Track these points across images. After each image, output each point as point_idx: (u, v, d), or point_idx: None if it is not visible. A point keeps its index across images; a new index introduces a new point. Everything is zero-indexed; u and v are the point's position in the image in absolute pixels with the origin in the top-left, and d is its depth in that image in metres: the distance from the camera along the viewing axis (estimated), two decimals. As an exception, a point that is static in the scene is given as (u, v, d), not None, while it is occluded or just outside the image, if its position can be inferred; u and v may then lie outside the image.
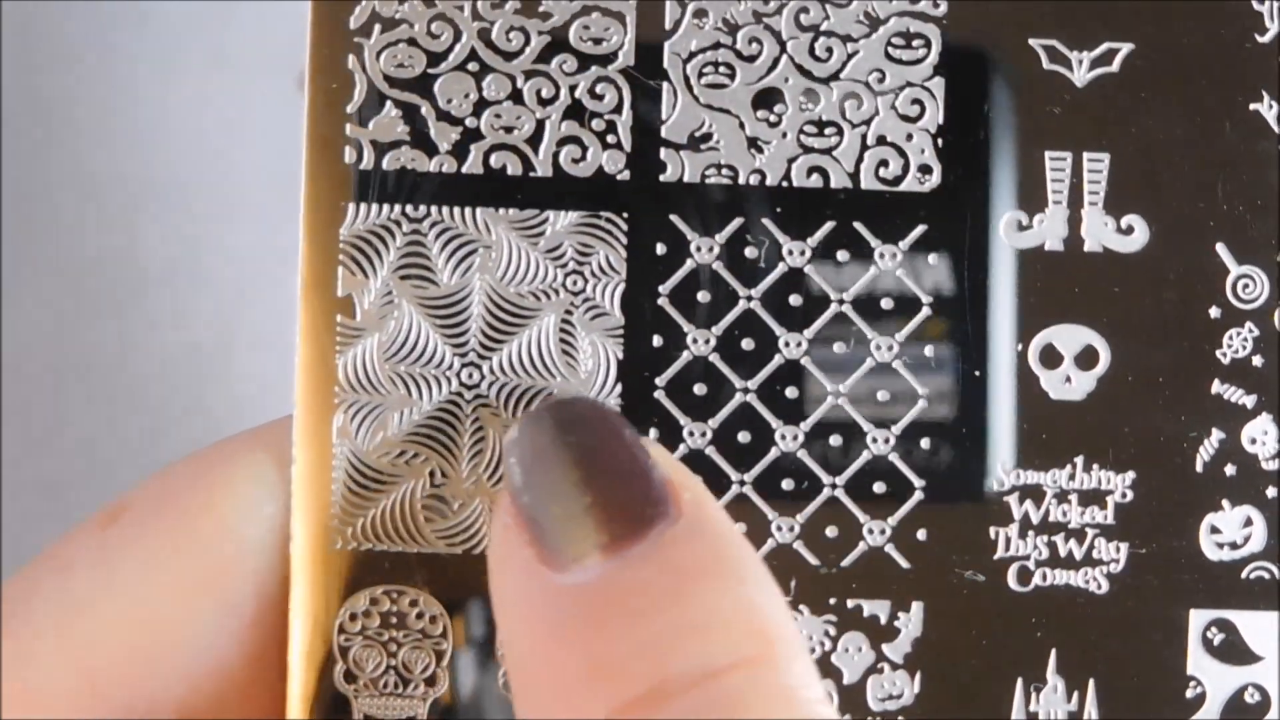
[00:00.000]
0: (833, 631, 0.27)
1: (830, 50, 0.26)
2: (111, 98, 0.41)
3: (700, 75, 0.26)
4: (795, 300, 0.26)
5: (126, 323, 0.42)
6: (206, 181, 0.41)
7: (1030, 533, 0.27)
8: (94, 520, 0.25)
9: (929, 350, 0.27)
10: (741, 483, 0.26)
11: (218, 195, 0.41)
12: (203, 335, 0.42)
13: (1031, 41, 0.26)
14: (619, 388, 0.26)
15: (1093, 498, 0.27)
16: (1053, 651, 0.27)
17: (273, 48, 0.40)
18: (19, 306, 0.41)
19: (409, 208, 0.26)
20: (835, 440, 0.27)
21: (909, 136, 0.26)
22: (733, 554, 0.24)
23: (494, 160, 0.26)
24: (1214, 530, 0.27)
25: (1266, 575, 0.27)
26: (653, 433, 0.26)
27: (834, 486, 0.27)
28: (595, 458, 0.23)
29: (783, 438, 0.26)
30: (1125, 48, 0.27)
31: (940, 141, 0.26)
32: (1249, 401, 0.27)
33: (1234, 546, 0.27)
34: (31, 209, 0.41)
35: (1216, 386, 0.27)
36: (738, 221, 0.26)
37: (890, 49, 0.26)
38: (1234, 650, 0.27)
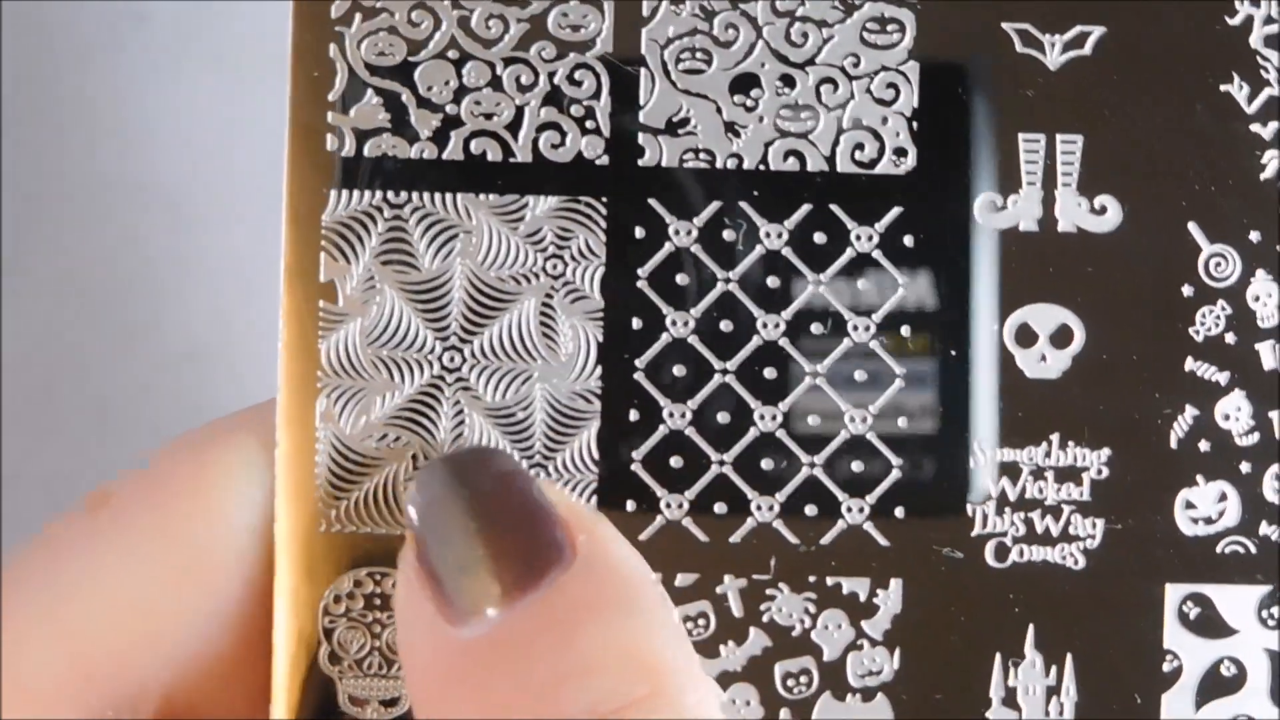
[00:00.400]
0: (812, 609, 0.27)
1: (806, 35, 0.27)
2: (111, 98, 0.41)
3: (678, 61, 0.27)
4: (773, 282, 0.27)
5: (126, 322, 0.42)
6: (206, 181, 0.41)
7: (1007, 509, 0.27)
8: (79, 507, 0.26)
9: (905, 330, 0.27)
10: (721, 463, 0.27)
11: (217, 195, 0.42)
12: (202, 335, 0.42)
13: (1004, 25, 0.27)
14: (599, 370, 0.27)
15: (1069, 475, 0.27)
16: (1030, 627, 0.27)
17: (273, 48, 0.40)
18: (19, 306, 0.41)
19: (390, 194, 0.26)
20: (814, 420, 0.27)
21: (884, 120, 0.27)
22: (625, 591, 0.24)
23: (474, 146, 0.26)
24: (1189, 506, 0.27)
25: (1241, 549, 0.27)
26: (633, 414, 0.27)
27: (813, 466, 0.27)
28: (488, 508, 0.24)
29: (761, 418, 0.27)
30: (1097, 31, 0.27)
31: (915, 125, 0.27)
32: (1222, 378, 0.27)
33: (1209, 521, 0.27)
34: (32, 209, 0.41)
35: (1190, 364, 0.27)
36: (716, 205, 0.27)
37: (865, 34, 0.27)
38: (1210, 624, 0.27)
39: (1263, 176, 0.27)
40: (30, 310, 0.41)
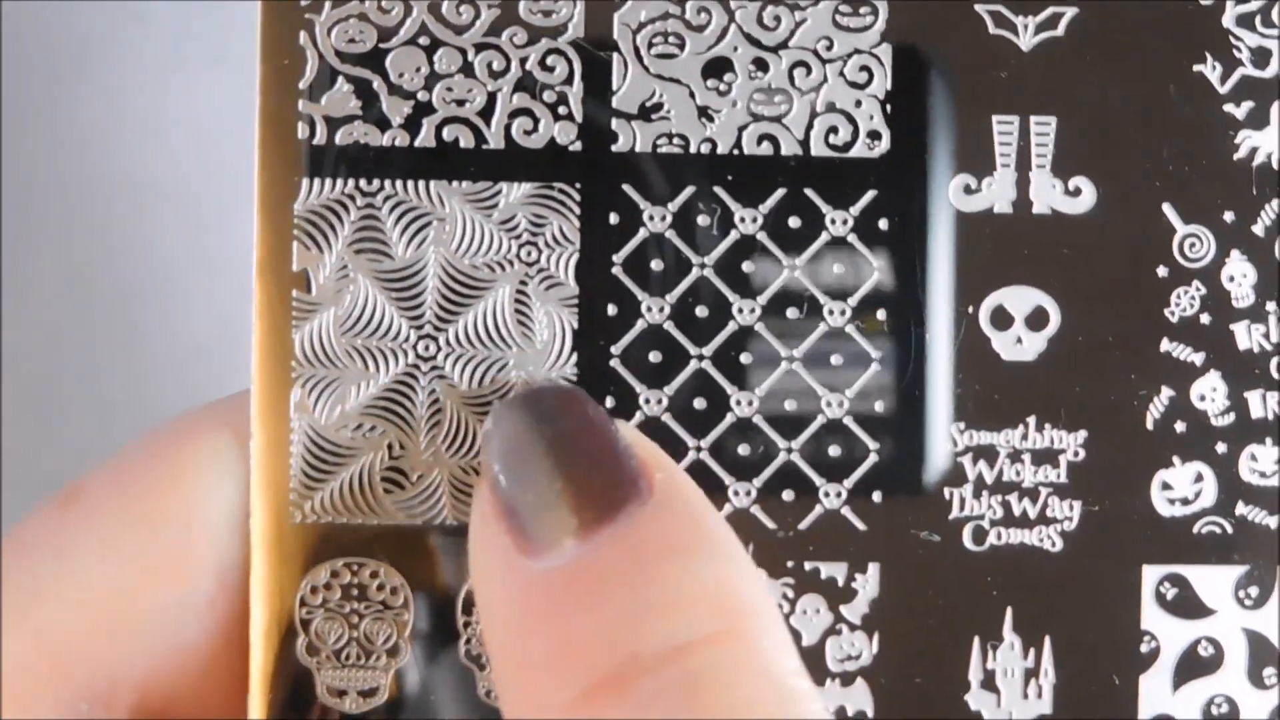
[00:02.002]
0: (791, 594, 0.27)
1: (778, 19, 0.27)
2: (111, 98, 0.41)
3: (650, 45, 0.26)
4: (748, 267, 0.27)
5: (126, 322, 0.42)
6: (206, 181, 0.41)
7: (984, 492, 0.27)
8: (52, 502, 0.26)
9: (881, 314, 0.27)
10: (698, 449, 0.27)
11: (217, 195, 0.41)
12: (202, 335, 0.42)
13: (977, 7, 0.27)
14: (574, 357, 0.26)
15: (1045, 457, 0.27)
16: (1009, 610, 0.27)
17: None
18: (19, 306, 0.41)
19: (362, 182, 0.26)
20: (790, 405, 0.27)
21: (858, 103, 0.27)
22: (703, 531, 0.24)
23: (446, 133, 0.26)
24: (1165, 487, 0.27)
25: (1218, 530, 0.27)
26: (609, 401, 0.26)
27: (789, 451, 0.27)
28: (566, 444, 0.24)
29: (738, 403, 0.27)
30: (1070, 11, 0.27)
31: (889, 107, 0.27)
32: (1197, 359, 0.27)
33: (1185, 502, 0.27)
34: (31, 209, 0.41)
35: (1165, 345, 0.27)
36: (689, 190, 0.27)
37: (838, 16, 0.27)
38: (1187, 604, 0.27)
39: (1236, 157, 0.27)
40: (30, 310, 0.41)
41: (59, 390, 0.42)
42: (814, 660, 0.27)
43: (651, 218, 0.27)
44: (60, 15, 0.41)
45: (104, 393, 0.42)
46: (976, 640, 0.27)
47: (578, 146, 0.26)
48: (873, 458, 0.27)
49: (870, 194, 0.27)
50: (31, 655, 0.25)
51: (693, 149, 0.26)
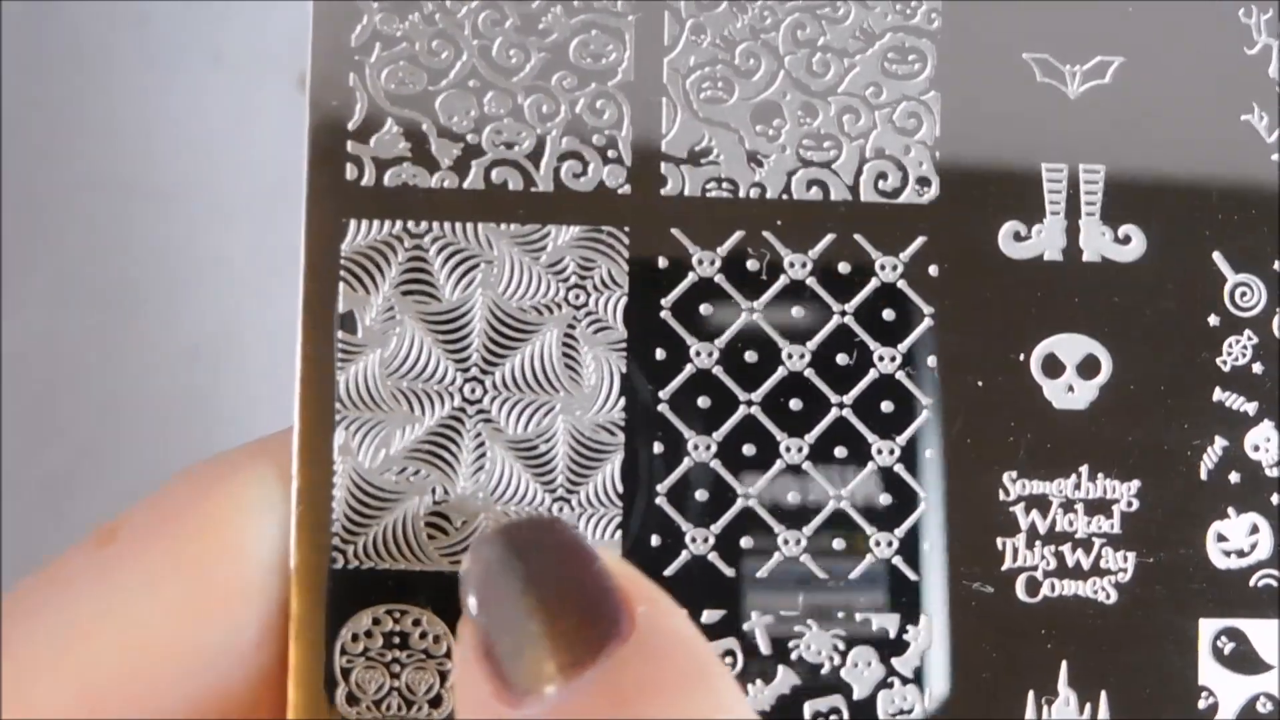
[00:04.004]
0: (841, 645, 0.26)
1: (827, 65, 0.27)
2: (111, 98, 0.41)
3: (700, 90, 0.26)
4: (798, 312, 0.26)
5: (126, 323, 0.42)
6: (206, 181, 0.41)
7: (1037, 543, 0.27)
8: (91, 538, 0.25)
9: (931, 361, 0.27)
10: (747, 495, 0.26)
11: (217, 195, 0.41)
12: (202, 334, 0.41)
13: (1024, 55, 0.27)
14: (622, 401, 0.26)
15: (1099, 507, 0.27)
16: (1063, 663, 0.27)
17: (273, 48, 0.40)
18: (19, 306, 0.41)
19: (410, 224, 0.26)
20: (840, 452, 0.26)
21: (907, 149, 0.27)
22: (687, 667, 0.23)
23: (495, 176, 0.26)
24: (1220, 538, 0.27)
25: (1275, 582, 0.27)
26: (657, 446, 0.26)
27: (839, 499, 0.26)
28: (542, 581, 0.23)
29: (787, 449, 0.26)
30: (1117, 60, 0.27)
31: (937, 154, 0.27)
32: (1250, 409, 0.27)
33: (1241, 554, 0.27)
34: (31, 209, 0.41)
35: (1218, 394, 0.27)
36: (738, 234, 0.26)
37: (886, 63, 0.27)
38: (1245, 659, 0.27)
39: (1285, 206, 0.27)
40: (30, 310, 0.41)
41: (59, 390, 0.41)
42: (865, 713, 0.26)
43: (700, 262, 0.26)
44: (60, 15, 0.41)
45: (103, 393, 0.41)
46: (1031, 695, 0.26)
47: (627, 190, 0.26)
48: (922, 506, 0.26)
49: (920, 240, 0.27)
50: (70, 696, 0.24)
51: (742, 194, 0.26)
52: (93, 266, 0.41)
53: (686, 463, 0.26)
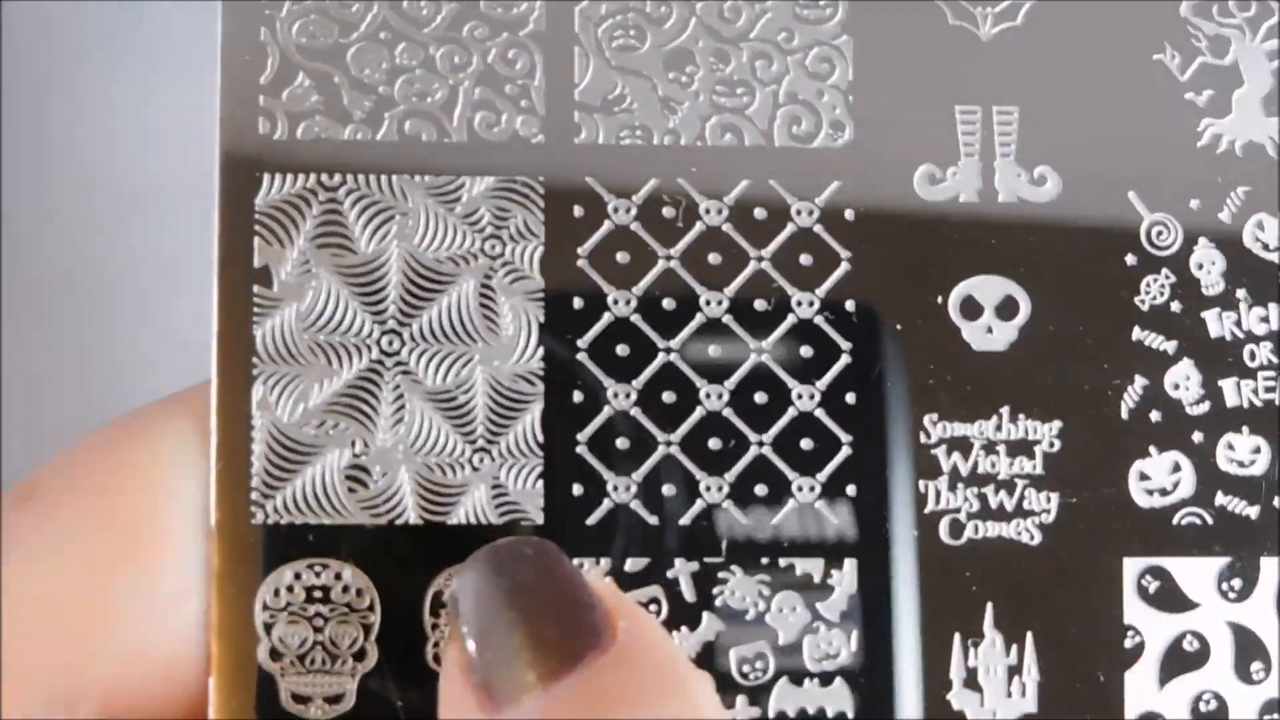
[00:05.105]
0: (766, 591, 0.26)
1: (739, 11, 0.27)
2: (111, 98, 0.41)
3: (612, 39, 0.26)
4: (714, 259, 0.26)
5: (125, 323, 0.41)
6: (206, 181, 0.41)
7: (960, 485, 0.27)
8: (8, 495, 0.25)
9: (850, 305, 0.27)
10: (668, 443, 0.26)
11: (216, 195, 0.42)
12: (201, 334, 0.41)
13: (936, -1, 0.27)
14: (540, 351, 0.26)
15: (1020, 448, 0.27)
16: (989, 605, 0.27)
17: None
18: (19, 307, 0.41)
19: (324, 177, 0.26)
20: (760, 398, 0.26)
21: (820, 94, 0.27)
22: (667, 678, 0.23)
23: (408, 127, 0.26)
24: (1143, 477, 0.27)
25: (1198, 521, 0.27)
26: (576, 395, 0.26)
27: (761, 444, 0.26)
28: (524, 596, 0.24)
29: (707, 396, 0.26)
30: (1029, 2, 0.27)
31: (851, 98, 0.27)
32: (1170, 347, 0.27)
33: (1164, 493, 0.27)
34: (31, 209, 0.41)
35: (1137, 333, 0.27)
36: (654, 182, 0.26)
37: (798, 9, 0.27)
38: (1170, 598, 0.27)
39: (1199, 145, 0.27)
40: (30, 310, 0.41)
41: (59, 390, 0.41)
42: (792, 658, 0.26)
43: (616, 210, 0.26)
44: (60, 15, 0.41)
45: (102, 392, 0.41)
46: (957, 637, 0.26)
47: (540, 140, 0.26)
48: (845, 450, 0.26)
49: (835, 184, 0.27)
50: (-14, 655, 0.24)
51: (656, 141, 0.26)
52: (91, 265, 0.41)
53: (606, 411, 0.26)
